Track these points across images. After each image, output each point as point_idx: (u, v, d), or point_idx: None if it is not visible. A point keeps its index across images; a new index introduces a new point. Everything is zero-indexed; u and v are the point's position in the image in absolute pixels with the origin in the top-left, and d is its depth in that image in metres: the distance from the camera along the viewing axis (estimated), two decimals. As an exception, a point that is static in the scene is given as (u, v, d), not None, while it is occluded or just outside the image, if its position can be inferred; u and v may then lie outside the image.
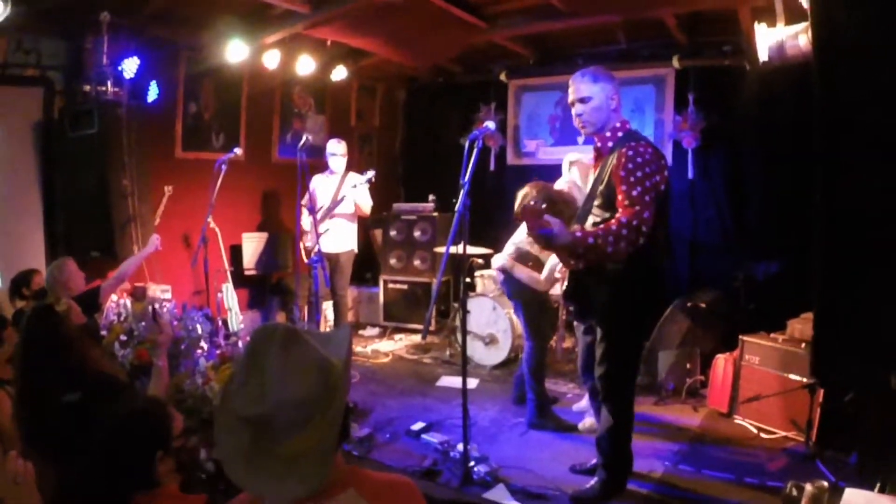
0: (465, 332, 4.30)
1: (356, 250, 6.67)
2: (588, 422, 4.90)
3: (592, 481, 3.84)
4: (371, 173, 6.25)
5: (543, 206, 3.48)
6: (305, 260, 6.43)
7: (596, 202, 3.56)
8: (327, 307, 6.89)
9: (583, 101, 3.56)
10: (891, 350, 2.17)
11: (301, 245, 6.38)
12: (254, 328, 1.69)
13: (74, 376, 2.71)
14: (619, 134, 3.56)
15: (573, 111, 3.64)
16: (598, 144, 3.62)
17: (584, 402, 5.06)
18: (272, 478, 1.47)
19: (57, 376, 2.69)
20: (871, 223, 2.12)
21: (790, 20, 4.38)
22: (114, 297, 5.37)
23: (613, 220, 3.31)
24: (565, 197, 4.54)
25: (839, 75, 2.15)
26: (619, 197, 3.38)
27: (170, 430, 2.23)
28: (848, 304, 2.24)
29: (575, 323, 4.30)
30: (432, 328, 7.44)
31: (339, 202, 6.26)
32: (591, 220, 3.58)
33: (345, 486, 1.52)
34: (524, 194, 4.50)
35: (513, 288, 4.98)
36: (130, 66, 5.37)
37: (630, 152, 3.38)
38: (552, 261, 4.72)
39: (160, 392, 3.24)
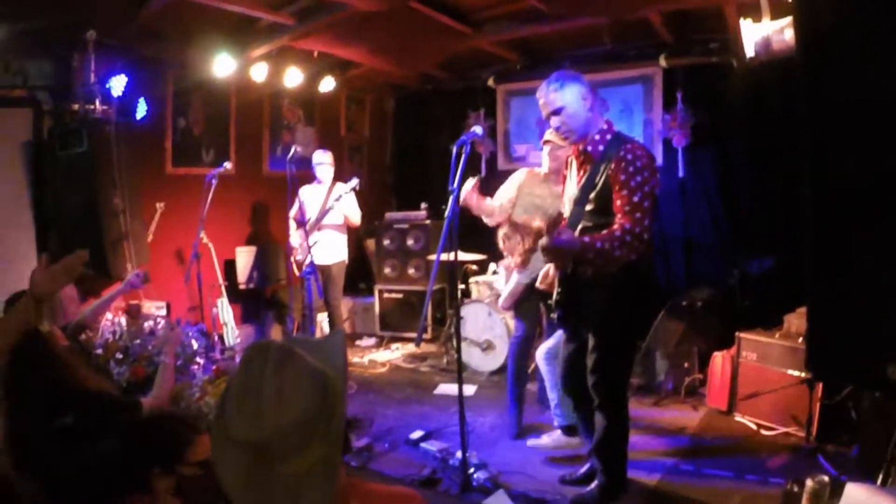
0: (459, 339, 4.28)
1: (347, 261, 6.65)
2: (552, 436, 4.80)
3: (592, 485, 3.82)
4: (355, 181, 6.18)
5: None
6: (297, 273, 6.42)
7: (588, 207, 3.52)
8: (322, 319, 6.88)
9: (556, 112, 3.51)
10: (886, 341, 2.16)
11: (292, 258, 6.37)
12: (247, 344, 1.66)
13: (64, 397, 2.69)
14: (609, 136, 3.52)
15: (551, 125, 3.61)
16: (588, 148, 3.54)
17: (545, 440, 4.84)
18: (277, 499, 1.43)
19: (46, 398, 2.67)
20: (860, 214, 2.11)
21: (776, 15, 4.40)
22: (109, 315, 5.35)
23: (617, 227, 3.31)
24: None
25: (824, 68, 2.15)
26: (619, 202, 3.37)
27: (177, 451, 2.19)
28: (840, 295, 2.23)
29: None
30: (428, 336, 7.45)
31: (325, 213, 6.23)
32: (581, 225, 3.54)
33: (345, 500, 1.48)
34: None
35: None
36: (118, 84, 5.36)
37: (628, 156, 3.36)
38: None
39: (163, 390, 3.20)
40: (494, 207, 4.79)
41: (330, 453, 1.45)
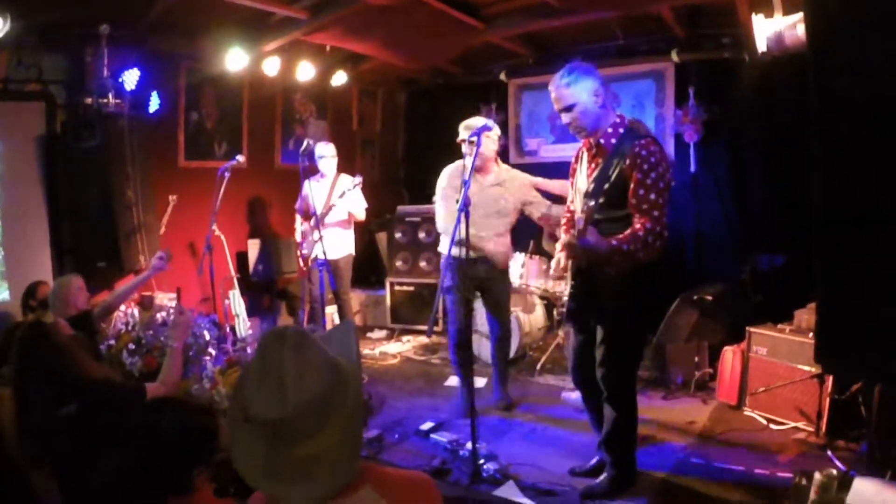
0: (470, 330, 4.30)
1: (354, 253, 6.66)
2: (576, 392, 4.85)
3: (602, 477, 3.83)
4: (358, 179, 6.17)
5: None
6: (304, 267, 6.45)
7: (600, 200, 3.47)
8: (332, 311, 6.91)
9: (567, 109, 3.50)
10: (895, 336, 2.17)
11: (298, 252, 6.40)
12: (262, 333, 1.69)
13: (68, 386, 2.72)
14: (621, 130, 3.51)
15: (563, 121, 3.60)
16: (601, 140, 3.53)
17: (576, 394, 5.00)
18: (293, 481, 1.46)
19: (50, 387, 2.70)
20: (870, 210, 2.12)
21: (788, 10, 4.38)
22: (122, 306, 5.40)
23: (639, 227, 3.31)
24: None
25: (833, 63, 2.15)
26: (634, 200, 3.37)
27: (216, 444, 2.21)
28: (849, 291, 2.23)
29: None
30: (439, 328, 7.46)
31: (328, 210, 6.23)
32: (592, 218, 3.54)
33: (361, 483, 1.51)
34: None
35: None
36: (131, 78, 5.41)
37: (643, 152, 3.36)
38: None
39: (173, 373, 3.23)
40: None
41: (345, 436, 1.48)
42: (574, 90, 3.47)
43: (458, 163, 5.05)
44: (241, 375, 1.59)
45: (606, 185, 3.47)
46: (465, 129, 4.87)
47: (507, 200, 5.04)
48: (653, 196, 3.34)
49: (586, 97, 3.47)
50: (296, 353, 1.48)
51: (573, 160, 3.93)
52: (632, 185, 3.38)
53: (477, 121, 4.94)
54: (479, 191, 4.89)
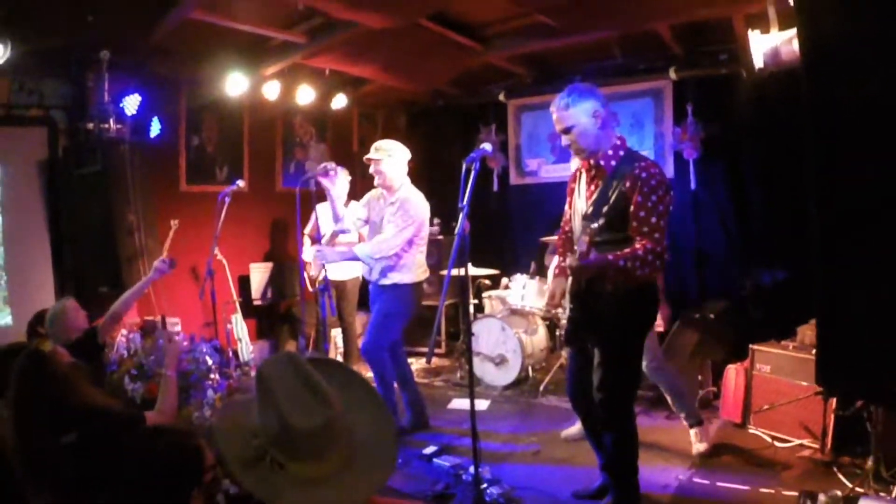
0: (470, 354, 4.28)
1: (361, 277, 6.66)
2: (574, 428, 4.98)
3: (606, 500, 3.80)
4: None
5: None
6: (310, 289, 6.43)
7: (600, 222, 3.45)
8: (336, 334, 6.89)
9: (567, 131, 3.50)
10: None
11: (305, 274, 6.38)
12: (275, 355, 1.68)
13: (68, 415, 2.72)
14: (622, 153, 3.51)
15: (563, 143, 3.59)
16: (601, 162, 3.52)
17: (575, 430, 5.01)
18: (284, 496, 1.48)
19: (50, 416, 2.69)
20: (868, 226, 2.11)
21: (784, 25, 4.40)
22: (123, 331, 5.39)
23: (639, 247, 3.29)
24: None
25: (827, 76, 2.15)
26: (635, 223, 3.35)
27: (203, 466, 2.20)
28: (850, 309, 2.22)
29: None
30: (442, 351, 7.46)
31: (337, 234, 6.23)
32: (584, 238, 3.52)
33: None
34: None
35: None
36: (132, 103, 5.44)
37: (644, 174, 3.35)
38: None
39: (169, 402, 3.22)
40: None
41: (345, 471, 1.51)
42: (573, 112, 3.46)
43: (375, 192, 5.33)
44: (260, 399, 1.57)
45: (605, 208, 3.46)
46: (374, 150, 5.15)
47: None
48: (654, 219, 3.32)
49: (585, 119, 3.46)
50: (315, 368, 1.54)
51: (570, 180, 3.93)
52: (632, 208, 3.37)
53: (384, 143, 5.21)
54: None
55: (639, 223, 3.35)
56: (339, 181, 6.36)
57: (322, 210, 6.28)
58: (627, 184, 3.38)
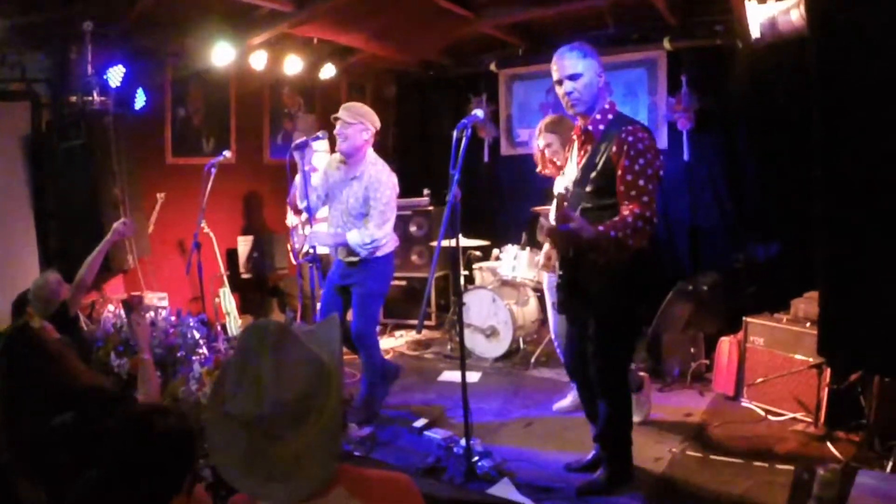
0: (461, 325, 4.25)
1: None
2: (566, 400, 5.01)
3: (598, 472, 3.79)
4: None
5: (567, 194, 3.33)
6: (294, 261, 6.37)
7: (587, 188, 3.45)
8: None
9: (572, 77, 3.42)
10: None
11: (289, 246, 6.32)
12: (244, 328, 1.67)
13: (62, 394, 2.65)
14: (610, 116, 3.45)
15: (560, 90, 3.49)
16: (589, 127, 3.48)
17: (567, 402, 5.04)
18: (270, 479, 1.46)
19: (43, 396, 2.63)
20: (872, 197, 2.07)
21: (780, -4, 4.33)
22: (110, 307, 5.32)
23: (628, 213, 3.21)
24: None
25: (834, 47, 2.10)
26: (622, 187, 3.29)
27: (196, 449, 2.15)
28: (853, 280, 2.18)
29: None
30: (432, 323, 7.43)
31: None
32: (581, 206, 3.48)
33: (334, 484, 1.49)
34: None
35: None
36: (116, 75, 5.33)
37: (630, 138, 3.29)
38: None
39: (151, 386, 3.18)
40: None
41: (325, 435, 1.47)
42: (584, 61, 3.41)
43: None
44: (220, 370, 1.58)
45: (593, 174, 3.42)
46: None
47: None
48: (641, 182, 3.25)
49: (593, 73, 3.43)
50: (275, 350, 1.46)
51: (564, 150, 3.88)
52: (619, 172, 3.30)
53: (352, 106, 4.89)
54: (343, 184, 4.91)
55: (626, 187, 3.28)
56: (318, 155, 6.30)
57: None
58: (614, 148, 3.33)
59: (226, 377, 1.52)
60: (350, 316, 4.97)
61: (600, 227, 3.18)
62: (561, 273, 3.72)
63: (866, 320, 2.13)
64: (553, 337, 5.14)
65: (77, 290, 4.27)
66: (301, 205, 4.97)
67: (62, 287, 4.19)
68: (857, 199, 2.07)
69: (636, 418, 4.42)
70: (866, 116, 2.01)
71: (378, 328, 5.23)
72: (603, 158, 3.38)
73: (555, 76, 3.51)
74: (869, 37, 1.97)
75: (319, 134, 4.90)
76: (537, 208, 4.86)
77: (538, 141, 4.62)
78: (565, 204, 3.16)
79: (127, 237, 4.56)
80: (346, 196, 4.83)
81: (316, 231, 4.80)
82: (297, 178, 5.09)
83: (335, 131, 4.76)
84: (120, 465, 2.05)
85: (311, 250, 4.85)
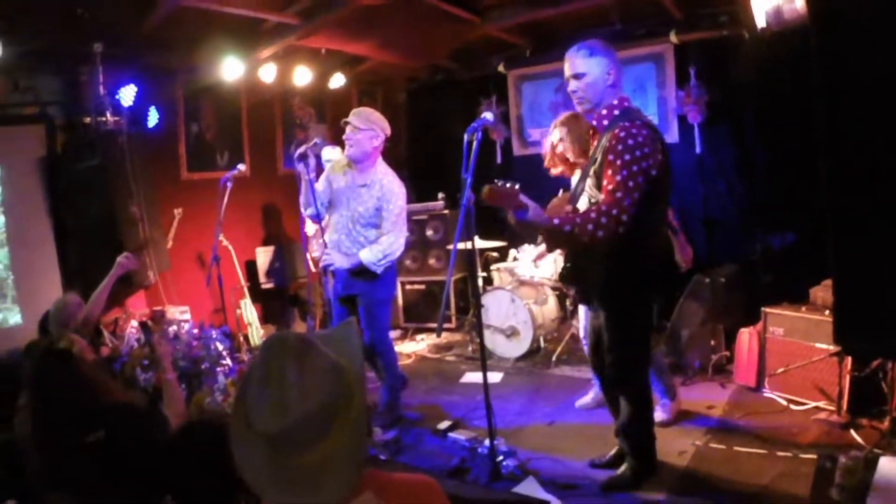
0: (481, 327, 4.27)
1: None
2: (587, 397, 5.04)
3: (622, 468, 3.80)
4: None
5: (517, 186, 3.28)
6: (313, 269, 6.40)
7: (589, 181, 3.51)
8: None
9: (577, 76, 3.46)
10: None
11: (308, 255, 6.36)
12: (265, 339, 1.68)
13: (93, 413, 2.70)
14: (616, 112, 3.46)
15: (569, 87, 3.54)
16: (595, 122, 3.53)
17: (589, 399, 5.06)
18: (297, 490, 1.45)
19: (79, 415, 2.68)
20: (878, 184, 2.07)
21: (785, -16, 4.32)
22: (133, 322, 5.40)
23: (594, 207, 3.27)
24: None
25: (836, 35, 2.10)
26: (604, 181, 3.32)
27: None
28: (865, 267, 2.19)
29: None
30: (453, 325, 7.46)
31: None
32: (584, 198, 3.56)
33: (361, 489, 1.49)
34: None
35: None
36: (128, 94, 5.41)
37: (621, 133, 3.29)
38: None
39: (177, 404, 3.22)
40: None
41: (349, 442, 1.47)
42: (587, 61, 3.44)
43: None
44: (241, 383, 1.58)
45: (594, 167, 3.46)
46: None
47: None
48: (619, 178, 3.23)
49: (598, 72, 3.44)
50: (298, 362, 1.46)
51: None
52: (605, 165, 3.33)
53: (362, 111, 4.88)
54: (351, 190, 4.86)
55: (607, 180, 3.30)
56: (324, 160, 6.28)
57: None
58: (607, 143, 3.35)
59: (247, 391, 1.51)
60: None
61: (555, 220, 3.23)
62: (565, 264, 3.77)
63: (880, 307, 2.13)
64: (582, 336, 5.11)
65: (83, 325, 4.31)
66: (306, 213, 4.95)
67: (80, 310, 4.26)
68: (861, 188, 2.08)
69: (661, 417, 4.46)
70: (868, 106, 2.01)
71: (391, 332, 5.22)
72: (601, 152, 3.42)
73: (566, 73, 3.56)
74: (871, 26, 1.97)
75: (318, 140, 4.85)
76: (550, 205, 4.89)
77: (552, 135, 4.64)
78: (508, 190, 3.18)
79: (133, 268, 4.61)
80: (354, 204, 4.79)
81: (330, 254, 4.77)
82: (303, 187, 5.13)
83: (344, 136, 4.75)
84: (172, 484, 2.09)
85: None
